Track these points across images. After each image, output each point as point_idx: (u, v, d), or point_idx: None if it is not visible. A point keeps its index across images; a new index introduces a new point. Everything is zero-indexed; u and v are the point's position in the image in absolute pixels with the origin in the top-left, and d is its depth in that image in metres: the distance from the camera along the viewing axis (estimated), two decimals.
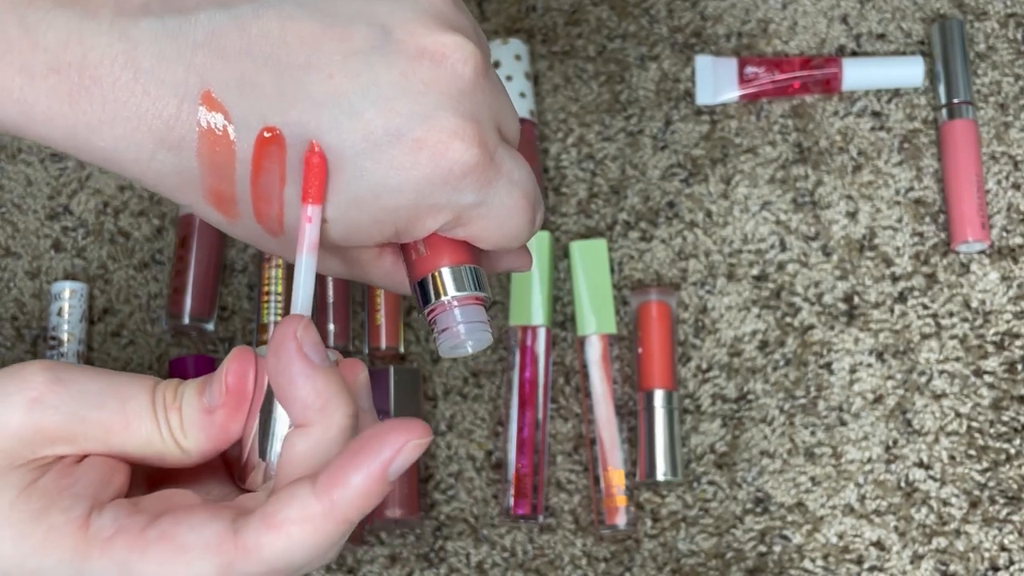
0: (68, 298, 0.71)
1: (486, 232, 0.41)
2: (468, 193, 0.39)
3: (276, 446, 0.38)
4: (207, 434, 0.37)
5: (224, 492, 0.40)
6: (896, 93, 0.74)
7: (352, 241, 0.40)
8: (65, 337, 0.71)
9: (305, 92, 0.37)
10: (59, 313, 0.71)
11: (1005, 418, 0.69)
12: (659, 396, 0.68)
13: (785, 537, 0.68)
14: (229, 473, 0.40)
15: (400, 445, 0.35)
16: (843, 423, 0.69)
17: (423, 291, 0.43)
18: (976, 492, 0.68)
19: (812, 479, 0.69)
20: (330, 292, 0.71)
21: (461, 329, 0.42)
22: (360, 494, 0.35)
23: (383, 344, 0.71)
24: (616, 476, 0.68)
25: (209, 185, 0.38)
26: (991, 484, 0.68)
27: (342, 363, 0.39)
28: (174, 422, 0.37)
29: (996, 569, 0.67)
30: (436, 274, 0.42)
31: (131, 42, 0.37)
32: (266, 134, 0.37)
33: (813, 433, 0.69)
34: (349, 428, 0.36)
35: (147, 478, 0.40)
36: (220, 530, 0.35)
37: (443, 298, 0.42)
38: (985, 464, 0.69)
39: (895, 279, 0.71)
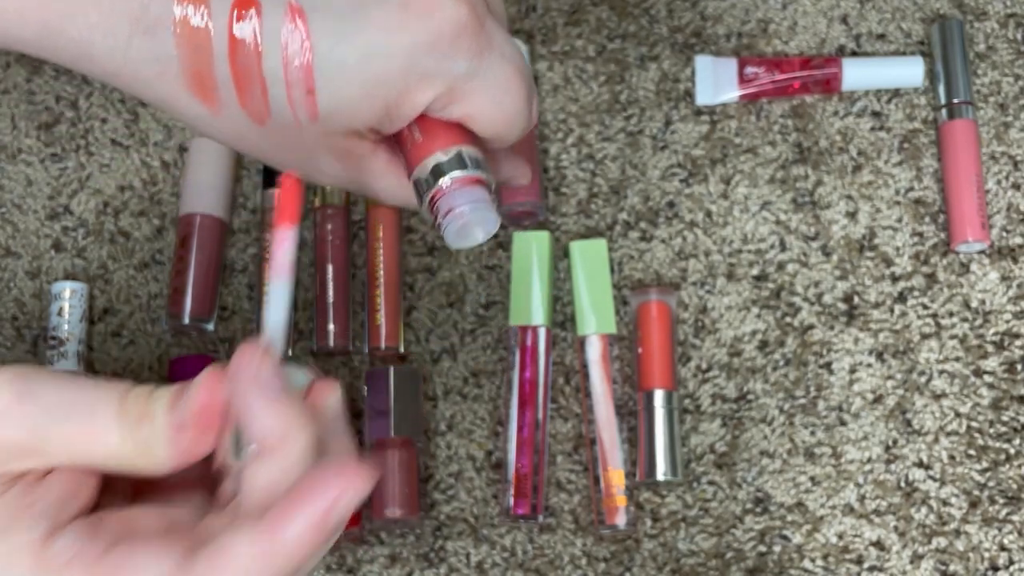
0: (68, 298, 0.71)
1: (482, 109, 0.38)
2: (460, 60, 0.36)
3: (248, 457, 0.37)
4: (178, 449, 0.37)
5: (207, 499, 0.39)
6: (896, 93, 0.74)
7: (341, 119, 0.37)
8: (65, 337, 0.71)
9: None
10: (59, 313, 0.71)
11: (1005, 418, 0.69)
12: (659, 396, 0.68)
13: (785, 537, 0.68)
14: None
15: (338, 493, 0.34)
16: (843, 423, 0.69)
17: (422, 178, 0.40)
18: (976, 492, 0.68)
19: (812, 479, 0.69)
20: (330, 292, 0.71)
21: (466, 209, 0.39)
22: (303, 536, 0.34)
23: (383, 344, 0.71)
24: (616, 476, 0.68)
25: (188, 68, 0.35)
26: (991, 484, 0.68)
27: (314, 385, 0.38)
28: (144, 434, 0.36)
29: (996, 569, 0.67)
30: (434, 156, 0.39)
31: None
32: (243, 9, 0.34)
33: (813, 433, 0.69)
34: (308, 456, 0.36)
35: (132, 484, 0.39)
36: (170, 567, 0.35)
37: (443, 180, 0.40)
38: (985, 464, 0.69)
39: (895, 279, 0.71)
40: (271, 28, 0.35)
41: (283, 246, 0.37)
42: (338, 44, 0.35)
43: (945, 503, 0.68)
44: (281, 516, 0.35)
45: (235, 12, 0.34)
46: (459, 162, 0.40)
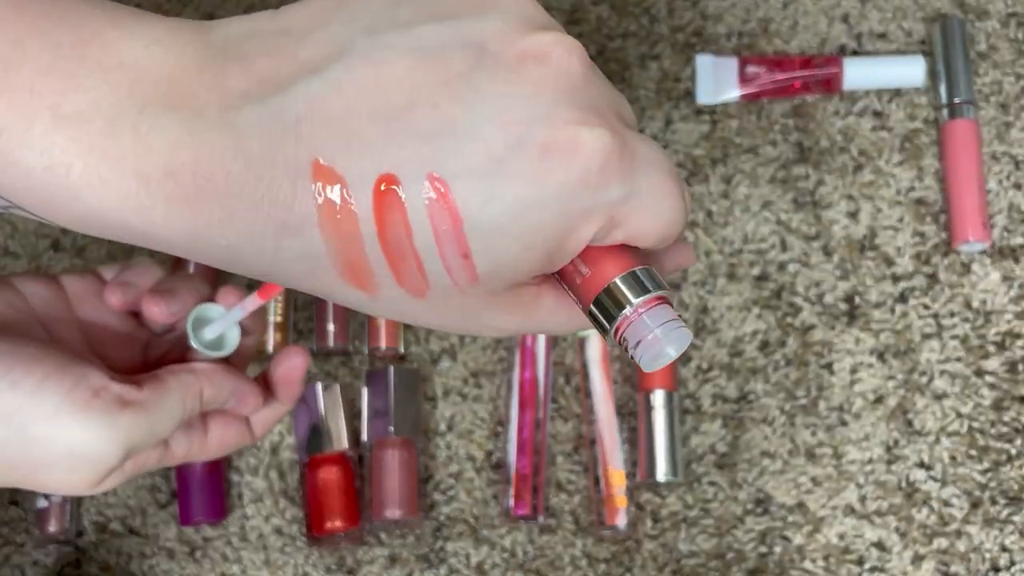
0: None
1: (644, 225, 0.37)
2: (614, 187, 0.35)
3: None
4: None
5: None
6: (897, 93, 0.74)
7: (503, 277, 0.36)
8: None
9: (414, 129, 0.34)
10: None
11: (1006, 418, 0.69)
12: (659, 396, 0.68)
13: (786, 538, 0.68)
14: None
15: None
16: (844, 423, 0.69)
17: (601, 312, 0.38)
18: (977, 492, 0.68)
19: (813, 479, 0.69)
20: None
21: (658, 333, 0.38)
22: None
23: (383, 344, 0.70)
24: (616, 476, 0.68)
25: (340, 259, 0.35)
26: (992, 484, 0.68)
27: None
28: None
29: (997, 570, 0.67)
30: (610, 287, 0.38)
31: (237, 131, 0.35)
32: (382, 186, 0.34)
33: (814, 433, 0.69)
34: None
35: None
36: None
37: (626, 310, 0.38)
38: (986, 464, 0.68)
39: (896, 279, 0.71)
40: (415, 202, 0.34)
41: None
42: (486, 205, 0.34)
43: (946, 504, 0.68)
44: None
45: (381, 200, 0.34)
46: (637, 286, 0.38)
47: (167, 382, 0.48)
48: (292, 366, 0.56)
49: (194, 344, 0.52)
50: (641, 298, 0.38)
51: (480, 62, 0.35)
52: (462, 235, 0.34)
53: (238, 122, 0.35)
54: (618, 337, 0.38)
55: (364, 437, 0.69)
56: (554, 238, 0.36)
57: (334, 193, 0.34)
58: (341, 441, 0.68)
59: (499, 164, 0.34)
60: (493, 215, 0.34)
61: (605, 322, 0.38)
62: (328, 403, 0.69)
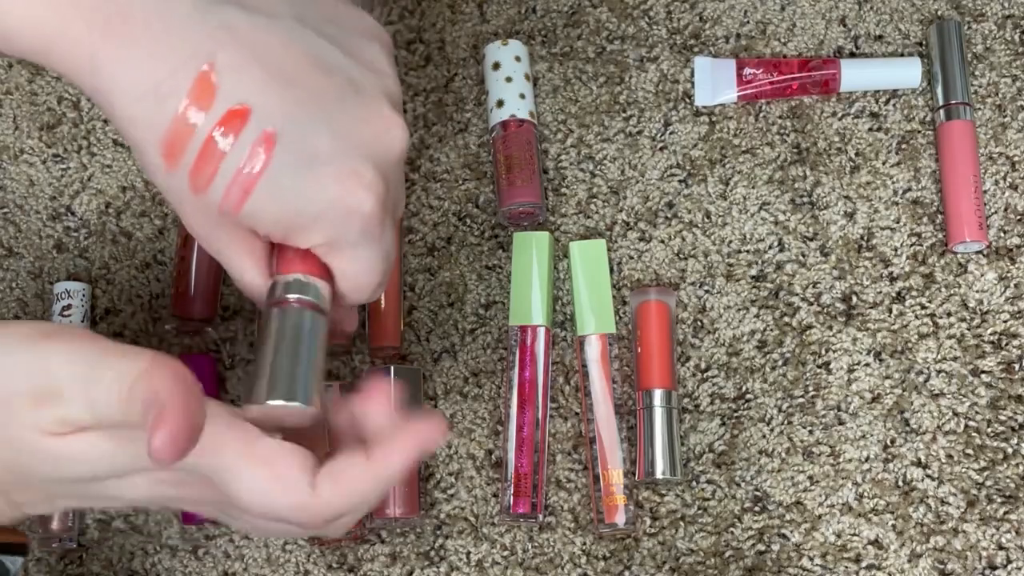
0: (71, 298, 0.71)
1: (347, 272, 0.48)
2: (354, 231, 0.47)
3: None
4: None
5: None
6: (894, 94, 0.75)
7: (250, 221, 0.46)
8: None
9: (283, 97, 0.44)
10: (62, 313, 0.71)
11: (1002, 417, 0.69)
12: (658, 395, 0.69)
13: (783, 536, 0.68)
14: None
15: (434, 442, 0.49)
16: (841, 422, 0.70)
17: (279, 284, 0.49)
18: (974, 491, 0.68)
19: (810, 478, 0.69)
20: None
21: (295, 312, 0.49)
22: (403, 466, 0.48)
23: (383, 344, 0.71)
24: (615, 475, 0.68)
25: (173, 132, 0.43)
26: (988, 483, 0.68)
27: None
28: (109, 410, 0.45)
29: (994, 568, 0.67)
30: (298, 275, 0.48)
31: (170, 5, 0.44)
32: (237, 106, 0.44)
33: (811, 432, 0.70)
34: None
35: None
36: (305, 482, 0.47)
37: (290, 295, 0.48)
38: (983, 463, 0.69)
39: (893, 279, 0.72)
40: (246, 137, 0.44)
41: None
42: (283, 176, 0.45)
43: (943, 502, 0.68)
44: (388, 451, 0.47)
45: (225, 120, 0.43)
46: (313, 291, 0.48)
47: None
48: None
49: None
50: (307, 298, 0.48)
51: (353, 96, 0.46)
52: (255, 182, 0.44)
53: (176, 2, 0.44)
54: (269, 305, 0.48)
55: None
56: (300, 225, 0.46)
57: (204, 90, 0.43)
58: None
59: (311, 160, 0.45)
60: (282, 185, 0.45)
61: (275, 292, 0.48)
62: (329, 402, 0.69)
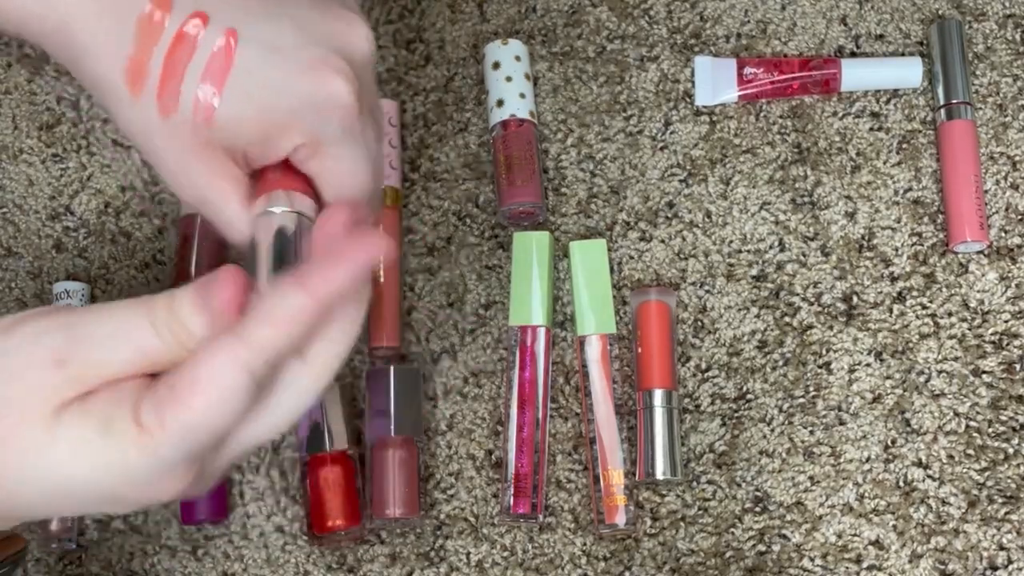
0: (70, 298, 0.71)
1: (331, 172, 0.47)
2: (333, 125, 0.45)
3: None
4: (211, 334, 0.41)
5: None
6: (895, 94, 0.75)
7: (229, 131, 0.45)
8: None
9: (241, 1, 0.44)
10: None
11: (1003, 417, 0.69)
12: (658, 395, 0.69)
13: (784, 536, 0.68)
14: None
15: (375, 252, 0.41)
16: (842, 422, 0.70)
17: (259, 205, 0.46)
18: (974, 491, 0.68)
19: (811, 478, 0.69)
20: None
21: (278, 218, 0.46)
22: (340, 287, 0.41)
23: (384, 344, 0.71)
24: (615, 475, 0.68)
25: (135, 54, 0.43)
26: (989, 483, 0.68)
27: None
28: (180, 340, 0.41)
29: (994, 568, 0.67)
30: (278, 192, 0.46)
31: None
32: (195, 19, 0.43)
33: (812, 432, 0.70)
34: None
35: None
36: (228, 339, 0.41)
37: (275, 208, 0.46)
38: (983, 463, 0.69)
39: (894, 279, 0.72)
40: (208, 39, 0.43)
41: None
42: (253, 71, 0.44)
43: (944, 502, 0.68)
44: (319, 271, 0.41)
45: (188, 19, 0.43)
46: (298, 202, 0.46)
47: None
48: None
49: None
50: (280, 207, 0.45)
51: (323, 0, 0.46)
52: (224, 78, 0.43)
53: None
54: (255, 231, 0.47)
55: (365, 436, 0.69)
56: (277, 124, 0.45)
57: (160, 4, 0.43)
58: (342, 440, 0.69)
59: (277, 52, 0.44)
60: (252, 81, 0.44)
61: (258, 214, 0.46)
62: (329, 402, 0.69)
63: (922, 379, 0.70)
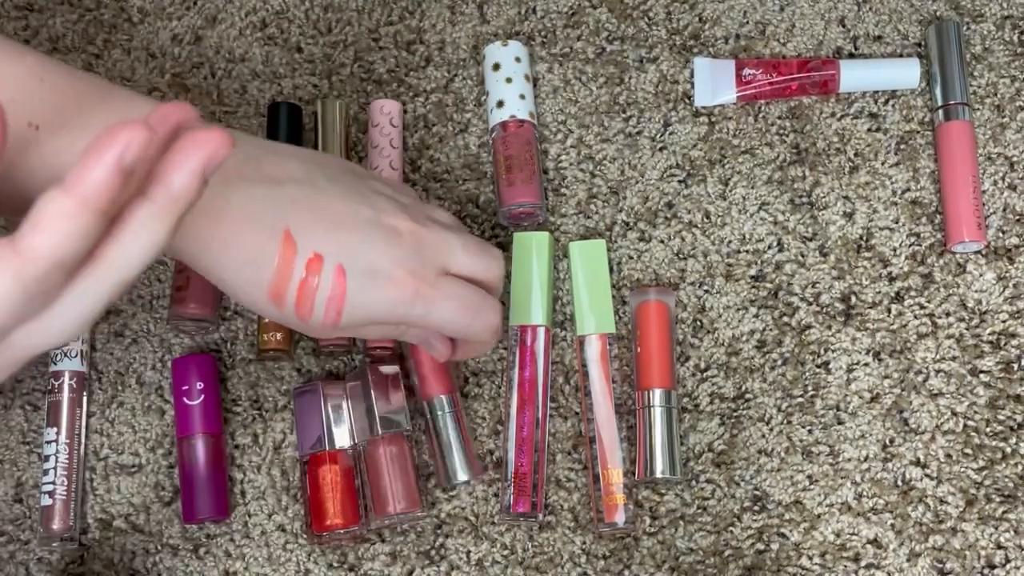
0: None
1: (441, 327, 0.62)
2: (417, 308, 0.60)
3: None
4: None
5: None
6: (893, 95, 0.75)
7: (349, 329, 0.60)
8: None
9: (337, 238, 0.58)
10: None
11: (1001, 417, 0.69)
12: (658, 395, 0.69)
13: (783, 535, 0.69)
14: None
15: (127, 139, 0.41)
16: (840, 422, 0.70)
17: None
18: (972, 490, 0.69)
19: (809, 477, 0.69)
20: None
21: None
22: (101, 182, 0.41)
23: (383, 344, 0.71)
24: (615, 474, 0.68)
25: (274, 286, 0.57)
26: (987, 482, 0.69)
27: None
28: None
29: (992, 567, 0.68)
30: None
31: (250, 197, 0.57)
32: (312, 255, 0.57)
33: (810, 432, 0.70)
34: None
35: None
36: (2, 247, 0.42)
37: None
38: (981, 463, 0.69)
39: (892, 279, 0.72)
40: (326, 275, 0.58)
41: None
42: (358, 294, 0.59)
43: (942, 501, 0.68)
44: (80, 170, 0.41)
45: (309, 266, 0.57)
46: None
47: None
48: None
49: None
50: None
51: (377, 221, 0.60)
52: (342, 303, 0.58)
53: (253, 191, 0.57)
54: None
55: (355, 439, 0.70)
56: (378, 321, 0.61)
57: (288, 249, 0.57)
58: (342, 439, 0.69)
59: (373, 277, 0.59)
60: (359, 300, 0.59)
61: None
62: (329, 402, 0.69)
63: (920, 379, 0.70)
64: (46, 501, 0.69)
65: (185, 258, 0.57)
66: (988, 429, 0.69)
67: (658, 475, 0.68)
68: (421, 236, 0.61)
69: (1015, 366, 0.70)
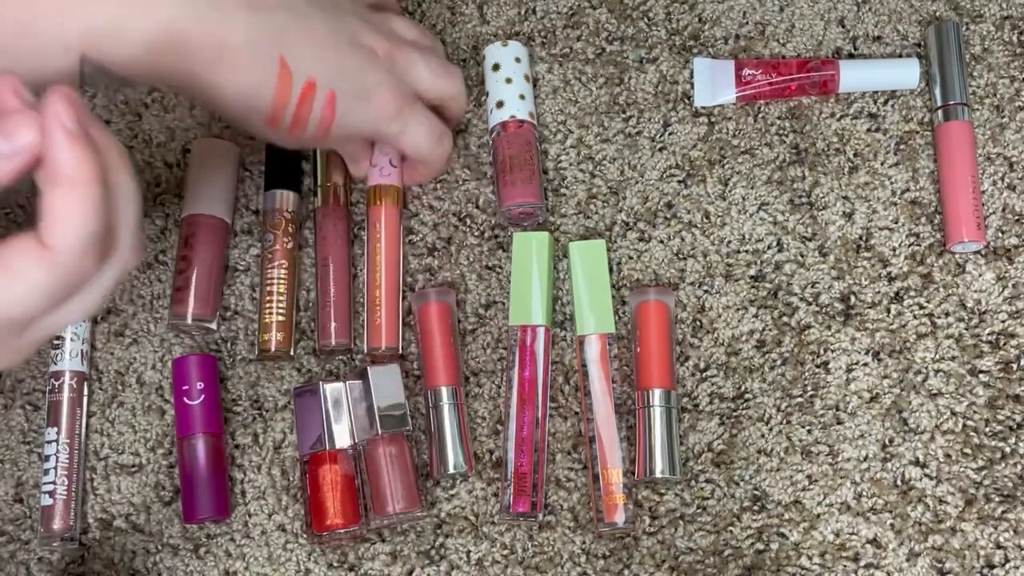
0: None
1: (408, 146, 0.70)
2: (394, 126, 0.68)
3: None
4: None
5: None
6: (892, 95, 0.75)
7: (336, 141, 0.69)
8: (68, 336, 0.71)
9: (326, 61, 0.63)
10: None
11: (1000, 417, 0.70)
12: (657, 395, 0.69)
13: (782, 535, 0.69)
14: None
15: (55, 111, 0.44)
16: (839, 422, 0.70)
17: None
18: (972, 490, 0.69)
19: (809, 477, 0.69)
20: (331, 291, 0.72)
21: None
22: (72, 156, 0.45)
23: (383, 344, 0.71)
24: (615, 474, 0.68)
25: (272, 114, 0.62)
26: (986, 482, 0.69)
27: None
28: None
29: (992, 567, 0.68)
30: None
31: (248, 24, 0.59)
32: (306, 80, 0.62)
33: (810, 432, 0.70)
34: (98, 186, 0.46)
35: None
36: (31, 244, 0.45)
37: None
38: (980, 462, 0.69)
39: (891, 279, 0.72)
40: (318, 101, 0.63)
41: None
42: (345, 114, 0.65)
43: (941, 501, 0.69)
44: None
45: (304, 93, 0.62)
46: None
47: None
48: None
49: None
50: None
51: (369, 53, 0.66)
52: (331, 122, 0.64)
53: (253, 16, 0.60)
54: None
55: (355, 440, 0.70)
56: (363, 134, 0.70)
57: (284, 76, 0.61)
58: (342, 439, 0.69)
59: (360, 97, 0.65)
60: (345, 118, 0.65)
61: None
62: (330, 401, 0.69)
63: (919, 379, 0.70)
64: (46, 501, 0.69)
65: (184, 84, 0.59)
66: (987, 429, 0.69)
67: (658, 475, 0.68)
68: (394, 56, 0.67)
69: (1014, 366, 0.70)
